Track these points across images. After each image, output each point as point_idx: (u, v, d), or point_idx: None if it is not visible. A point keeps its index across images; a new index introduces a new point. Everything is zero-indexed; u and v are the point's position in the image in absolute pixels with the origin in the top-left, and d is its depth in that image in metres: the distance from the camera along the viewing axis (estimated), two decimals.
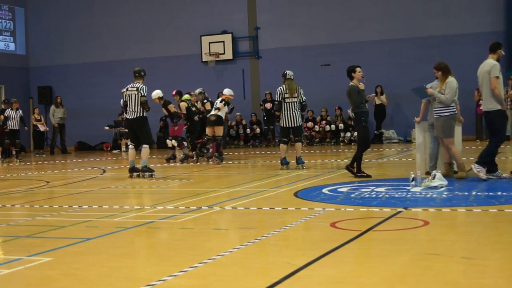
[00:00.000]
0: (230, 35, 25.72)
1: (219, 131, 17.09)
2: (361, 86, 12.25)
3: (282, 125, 14.43)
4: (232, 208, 8.91)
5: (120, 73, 27.07)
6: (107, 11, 27.64)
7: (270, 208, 8.78)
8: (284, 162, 14.37)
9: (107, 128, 25.73)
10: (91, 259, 6.26)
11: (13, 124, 21.39)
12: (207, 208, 8.95)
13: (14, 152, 24.00)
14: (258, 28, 25.49)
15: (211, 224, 7.86)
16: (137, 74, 14.06)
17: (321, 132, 24.10)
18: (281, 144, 14.58)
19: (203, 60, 26.08)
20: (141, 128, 13.87)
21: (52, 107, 25.98)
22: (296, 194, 10.05)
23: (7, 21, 28.30)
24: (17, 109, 21.46)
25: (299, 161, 14.36)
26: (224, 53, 25.76)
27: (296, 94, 14.29)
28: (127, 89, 13.91)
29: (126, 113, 13.96)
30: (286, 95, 14.26)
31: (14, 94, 27.04)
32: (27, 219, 8.80)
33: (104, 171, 16.12)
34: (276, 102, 14.52)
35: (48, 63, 28.65)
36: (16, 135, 21.43)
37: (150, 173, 13.84)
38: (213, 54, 25.76)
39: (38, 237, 7.41)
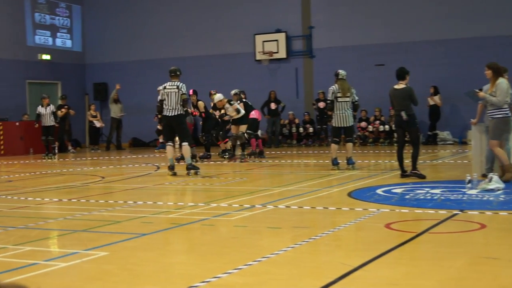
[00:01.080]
0: (284, 34, 25.71)
1: (243, 129, 17.46)
2: None
3: (333, 125, 14.38)
4: (286, 207, 8.92)
5: None
6: (162, 9, 27.89)
7: (323, 207, 8.76)
8: (335, 163, 14.30)
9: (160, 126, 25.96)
10: (146, 255, 6.34)
11: (44, 121, 21.36)
12: (260, 206, 8.98)
13: (70, 147, 24.49)
14: (312, 27, 25.43)
15: (265, 222, 7.87)
16: (173, 74, 14.17)
17: (375, 132, 23.94)
18: (332, 144, 14.51)
19: (257, 58, 26.13)
20: (180, 126, 13.98)
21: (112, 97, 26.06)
22: (349, 194, 10.01)
23: (64, 19, 28.79)
24: (47, 105, 21.43)
25: (349, 161, 14.28)
26: (277, 52, 25.76)
27: (348, 93, 14.22)
28: (164, 87, 13.98)
29: (162, 111, 14.00)
30: (338, 95, 14.18)
31: (70, 90, 27.55)
32: (83, 213, 8.94)
33: (158, 168, 16.28)
34: (329, 102, 14.44)
35: (103, 60, 29.07)
36: (49, 131, 21.36)
37: (195, 171, 13.92)
38: (267, 53, 25.78)
39: (94, 232, 7.53)
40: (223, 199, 9.83)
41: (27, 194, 11.46)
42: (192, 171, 13.92)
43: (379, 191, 10.34)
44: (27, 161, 20.33)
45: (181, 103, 13.84)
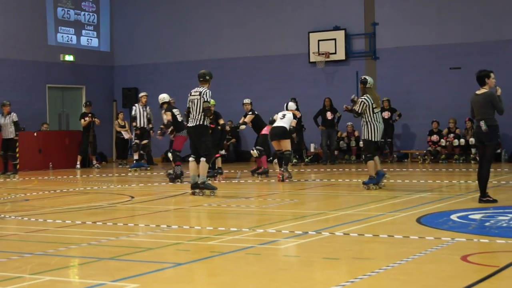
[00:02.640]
0: (342, 31, 25.67)
1: (286, 144, 17.59)
2: (498, 91, 12.01)
3: (370, 139, 14.53)
4: (344, 234, 8.88)
5: (216, 74, 27.40)
6: (203, 4, 28.08)
7: (388, 235, 8.70)
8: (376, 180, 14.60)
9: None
10: None
11: (4, 133, 20.62)
12: (314, 233, 8.96)
13: (94, 162, 24.75)
14: (375, 24, 25.35)
15: (320, 252, 7.84)
16: (201, 79, 14.19)
17: (448, 147, 23.70)
18: (370, 161, 14.61)
19: (311, 60, 26.13)
20: (200, 138, 13.99)
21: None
22: (419, 220, 9.93)
23: (91, 14, 29.16)
24: (8, 114, 20.68)
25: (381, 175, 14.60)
26: (335, 53, 25.72)
27: (379, 102, 14.72)
28: (190, 94, 14.05)
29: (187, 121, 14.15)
30: (374, 106, 14.49)
31: (96, 95, 27.86)
32: (110, 238, 9.02)
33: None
34: (356, 115, 14.76)
35: (134, 61, 29.36)
36: (8, 145, 20.58)
37: (211, 191, 13.94)
38: (323, 54, 25.77)
39: (123, 260, 7.59)
40: (270, 224, 9.82)
41: (46, 216, 11.61)
42: (206, 190, 13.89)
43: (453, 216, 10.23)
44: (45, 177, 20.62)
45: (203, 112, 13.91)
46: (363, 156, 14.88)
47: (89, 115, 24.50)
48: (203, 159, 13.93)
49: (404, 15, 24.93)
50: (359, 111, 14.51)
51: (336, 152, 24.76)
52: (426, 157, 23.68)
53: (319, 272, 6.86)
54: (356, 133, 24.85)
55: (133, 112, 22.39)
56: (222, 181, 17.43)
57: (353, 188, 15.51)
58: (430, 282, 6.37)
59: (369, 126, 14.46)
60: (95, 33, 29.38)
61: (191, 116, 13.96)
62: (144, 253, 7.97)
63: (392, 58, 24.96)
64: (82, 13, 28.77)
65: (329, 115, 24.33)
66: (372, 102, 14.46)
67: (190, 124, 14.05)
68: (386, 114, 24.11)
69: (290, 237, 8.72)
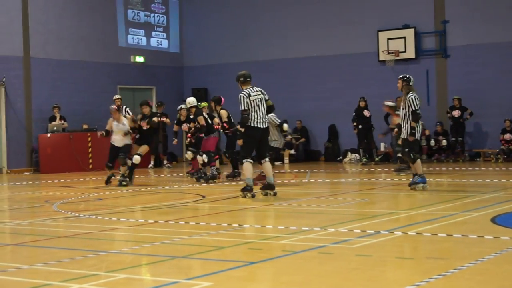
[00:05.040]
0: (412, 30, 25.43)
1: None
2: None
3: (415, 138, 14.43)
4: (417, 233, 8.80)
5: (285, 74, 27.56)
6: (271, 5, 28.11)
7: (462, 235, 8.60)
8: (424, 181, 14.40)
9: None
10: (256, 287, 6.40)
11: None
12: (386, 232, 8.90)
13: (165, 162, 25.01)
14: (446, 22, 25.05)
15: (392, 251, 7.80)
16: (248, 79, 14.06)
17: None
18: (418, 161, 14.41)
19: (380, 59, 25.97)
20: (266, 139, 14.04)
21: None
22: (493, 220, 9.79)
23: (160, 15, 29.47)
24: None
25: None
26: (405, 51, 25.50)
27: (420, 102, 14.64)
28: (249, 95, 13.81)
29: (251, 122, 13.75)
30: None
31: (166, 96, 28.16)
32: (183, 237, 9.10)
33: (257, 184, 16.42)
34: (418, 111, 14.36)
35: (204, 62, 29.57)
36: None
37: (273, 191, 13.83)
38: (392, 52, 25.58)
39: (196, 258, 7.66)
40: (342, 223, 9.79)
41: (119, 214, 11.79)
42: (269, 191, 13.84)
43: None
44: (118, 177, 20.85)
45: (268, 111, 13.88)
46: (409, 155, 14.49)
47: (158, 115, 24.69)
48: (267, 159, 13.93)
49: (475, 12, 24.57)
50: (415, 108, 14.24)
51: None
52: (499, 156, 23.31)
53: (392, 272, 6.82)
54: (427, 132, 24.59)
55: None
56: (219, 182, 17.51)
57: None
58: (506, 283, 6.28)
59: (410, 124, 14.25)
60: (164, 34, 29.67)
61: (258, 116, 13.68)
62: (217, 251, 8.03)
63: (462, 56, 24.64)
64: (152, 14, 29.09)
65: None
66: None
67: (261, 126, 13.70)
68: (457, 113, 23.84)
69: (362, 236, 8.68)
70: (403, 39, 25.54)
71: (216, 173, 17.83)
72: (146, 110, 18.12)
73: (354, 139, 24.78)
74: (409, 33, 25.51)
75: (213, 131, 17.86)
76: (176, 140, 19.85)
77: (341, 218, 10.55)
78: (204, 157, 17.58)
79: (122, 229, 10.15)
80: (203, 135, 17.84)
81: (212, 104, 18.55)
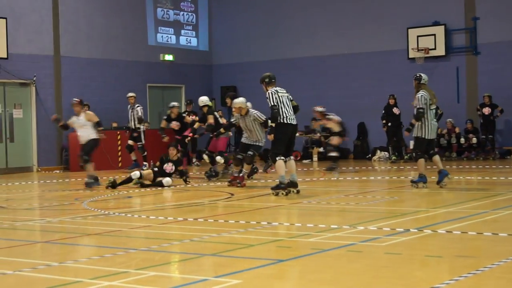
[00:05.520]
0: (442, 27, 25.30)
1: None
2: None
3: (423, 136, 14.31)
4: (447, 231, 8.76)
5: (313, 71, 27.56)
6: (300, 3, 28.10)
7: (492, 233, 8.54)
8: (425, 180, 14.44)
9: (297, 134, 26.13)
10: (284, 284, 6.41)
11: None
12: (416, 230, 8.87)
13: (194, 160, 25.07)
14: (476, 19, 24.88)
15: (422, 249, 7.77)
16: (273, 80, 14.01)
17: None
18: (421, 160, 14.42)
19: (410, 56, 25.85)
20: (295, 135, 14.12)
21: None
22: None
23: (189, 14, 29.58)
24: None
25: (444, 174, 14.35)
26: (435, 48, 25.37)
27: (435, 100, 14.46)
28: (277, 91, 13.79)
29: (282, 119, 13.72)
30: (430, 102, 14.32)
31: (195, 94, 28.12)
32: (212, 235, 9.13)
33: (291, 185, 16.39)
34: (421, 110, 14.21)
35: (232, 60, 29.64)
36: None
37: (297, 189, 13.76)
38: (422, 50, 25.46)
39: (225, 256, 7.68)
40: (371, 221, 9.77)
41: (148, 212, 11.85)
42: (292, 189, 13.80)
43: None
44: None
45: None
46: (414, 154, 14.52)
47: (186, 113, 24.78)
48: (292, 157, 13.94)
49: (506, 9, 24.40)
50: (420, 106, 14.19)
51: (436, 149, 24.36)
52: None
53: (422, 270, 6.79)
54: (457, 130, 24.46)
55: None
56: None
57: (454, 185, 15.26)
58: None
59: (422, 123, 14.22)
60: (193, 32, 29.77)
61: (288, 113, 13.68)
62: (246, 249, 8.04)
63: (493, 53, 24.46)
64: (181, 13, 29.20)
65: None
66: (430, 98, 14.30)
67: (293, 122, 13.75)
68: (487, 110, 23.67)
69: (392, 234, 8.65)
70: (433, 36, 25.41)
71: (229, 171, 17.88)
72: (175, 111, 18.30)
73: (383, 137, 24.71)
74: (439, 30, 25.38)
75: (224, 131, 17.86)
76: (166, 137, 19.89)
77: (370, 216, 10.53)
78: (219, 158, 17.69)
79: (151, 227, 10.19)
80: (214, 134, 17.82)
81: (228, 101, 18.56)
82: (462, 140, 24.45)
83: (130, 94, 22.47)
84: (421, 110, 14.15)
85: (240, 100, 16.30)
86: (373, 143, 26.32)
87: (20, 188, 17.90)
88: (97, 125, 16.92)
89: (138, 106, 22.12)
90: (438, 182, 14.31)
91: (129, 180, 16.36)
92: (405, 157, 24.02)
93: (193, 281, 6.46)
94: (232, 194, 14.18)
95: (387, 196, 13.51)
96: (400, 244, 8.06)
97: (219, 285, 6.25)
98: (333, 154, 19.99)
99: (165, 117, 20.74)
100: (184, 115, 19.57)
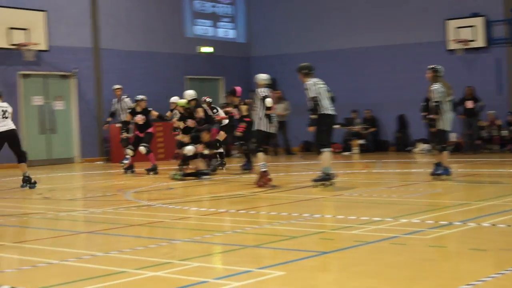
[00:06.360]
0: (481, 18, 25.02)
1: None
2: None
3: (442, 128, 14.25)
4: (491, 225, 8.69)
5: (353, 63, 27.44)
6: None
7: None
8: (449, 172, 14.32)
9: (337, 126, 25.95)
10: (327, 276, 6.40)
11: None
12: (459, 223, 8.81)
13: (234, 151, 25.10)
14: None
15: (466, 243, 7.70)
16: (312, 71, 13.93)
17: None
18: (446, 152, 14.40)
19: (449, 48, 25.63)
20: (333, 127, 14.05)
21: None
22: None
23: (227, 6, 29.59)
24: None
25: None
26: (474, 40, 25.12)
27: (451, 92, 14.44)
28: (315, 83, 13.74)
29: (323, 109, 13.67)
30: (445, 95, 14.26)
31: (234, 86, 28.20)
32: (254, 226, 9.15)
33: (335, 176, 16.33)
34: (436, 103, 14.17)
35: (271, 52, 29.59)
36: None
37: (326, 182, 13.69)
38: (461, 41, 25.20)
39: (268, 248, 7.69)
40: (414, 214, 9.73)
41: (190, 204, 11.90)
42: (324, 182, 13.70)
43: None
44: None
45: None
46: (437, 146, 14.43)
47: (225, 104, 24.77)
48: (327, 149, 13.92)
49: None
50: (435, 99, 14.11)
51: (478, 142, 24.18)
52: None
53: (466, 264, 6.74)
54: (499, 122, 24.22)
55: (112, 108, 22.01)
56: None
57: (496, 178, 15.14)
58: None
59: (441, 115, 14.15)
60: (231, 24, 29.78)
61: (324, 103, 13.58)
62: (288, 241, 8.05)
63: None
64: (219, 5, 29.23)
65: (469, 104, 23.80)
66: (445, 91, 14.26)
67: (334, 113, 13.76)
68: None
69: (435, 227, 8.60)
70: (472, 28, 25.14)
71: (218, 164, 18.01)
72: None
73: (424, 129, 24.53)
74: (479, 22, 25.09)
75: (214, 124, 17.94)
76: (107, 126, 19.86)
77: (413, 209, 10.48)
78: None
79: (193, 218, 10.25)
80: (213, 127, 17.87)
81: (231, 96, 18.63)
82: (504, 132, 24.19)
83: (117, 86, 22.11)
84: (436, 104, 14.15)
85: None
86: (413, 135, 26.15)
87: (63, 179, 18.10)
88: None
89: (126, 97, 21.69)
90: (432, 174, 14.35)
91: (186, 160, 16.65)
92: (448, 148, 23.80)
93: (236, 272, 6.48)
94: (274, 186, 14.12)
95: (430, 188, 13.42)
96: (444, 237, 8.02)
97: (263, 277, 6.27)
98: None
99: (129, 110, 19.75)
100: (149, 109, 18.95)
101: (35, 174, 16.30)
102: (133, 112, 19.10)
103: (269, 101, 14.24)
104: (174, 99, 19.18)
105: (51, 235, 9.09)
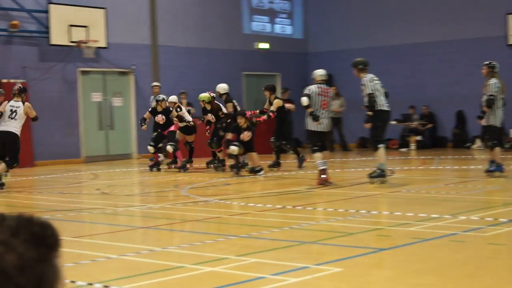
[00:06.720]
0: None
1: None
2: None
3: (495, 124, 14.11)
4: None
5: (410, 59, 27.20)
6: None
7: None
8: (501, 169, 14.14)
9: (394, 122, 25.80)
10: (385, 273, 6.37)
11: None
12: None
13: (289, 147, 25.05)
14: None
15: None
16: (367, 67, 13.76)
17: None
18: (497, 148, 14.22)
19: (509, 43, 25.26)
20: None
21: None
22: None
23: (284, 2, 29.58)
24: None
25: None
26: None
27: (505, 89, 14.30)
28: (372, 79, 13.58)
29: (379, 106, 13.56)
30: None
31: (290, 82, 28.21)
32: (311, 223, 9.14)
33: (393, 172, 16.20)
34: (492, 96, 14.04)
35: (328, 48, 29.49)
36: None
37: (381, 179, 13.55)
38: None
39: (325, 244, 7.68)
40: (473, 211, 9.60)
41: (246, 200, 11.94)
42: (380, 179, 13.57)
43: None
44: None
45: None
46: (489, 143, 14.19)
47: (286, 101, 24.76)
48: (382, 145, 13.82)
49: None
50: (491, 93, 13.90)
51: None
52: None
53: None
54: None
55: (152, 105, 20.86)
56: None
57: None
58: None
59: (494, 110, 13.93)
60: (289, 21, 29.76)
61: (380, 100, 13.49)
62: (346, 237, 8.02)
63: None
64: (276, 1, 29.22)
65: None
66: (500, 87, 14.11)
67: (389, 109, 13.69)
68: None
69: (495, 224, 8.49)
70: None
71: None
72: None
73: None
74: None
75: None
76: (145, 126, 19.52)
77: (472, 206, 10.36)
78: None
79: (250, 214, 10.27)
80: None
81: (267, 93, 18.54)
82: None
83: (155, 83, 22.31)
84: (492, 97, 14.02)
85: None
86: (472, 131, 25.83)
87: (121, 175, 18.29)
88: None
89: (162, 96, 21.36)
90: (486, 171, 14.17)
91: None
92: (505, 145, 23.51)
93: (294, 268, 6.48)
94: (330, 183, 14.06)
95: (488, 185, 13.24)
96: (503, 234, 7.92)
97: (320, 273, 6.26)
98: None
99: (150, 109, 19.78)
100: (171, 109, 18.82)
101: (94, 170, 16.51)
102: (154, 112, 19.21)
103: (304, 100, 13.91)
104: (173, 98, 19.08)
105: (110, 230, 9.21)
